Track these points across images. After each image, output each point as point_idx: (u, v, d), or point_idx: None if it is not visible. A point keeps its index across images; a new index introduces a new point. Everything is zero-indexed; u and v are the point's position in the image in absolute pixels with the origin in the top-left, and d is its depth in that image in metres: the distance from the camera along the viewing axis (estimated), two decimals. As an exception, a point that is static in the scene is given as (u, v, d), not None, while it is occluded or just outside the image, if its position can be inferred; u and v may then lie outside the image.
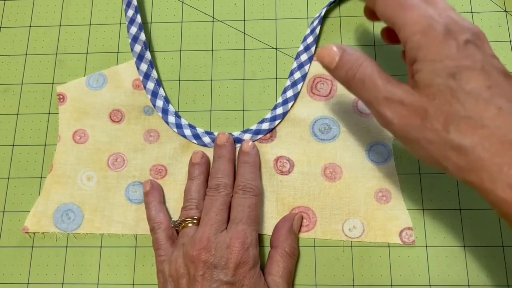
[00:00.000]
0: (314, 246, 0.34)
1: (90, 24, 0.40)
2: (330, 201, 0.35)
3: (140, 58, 0.38)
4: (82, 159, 0.37)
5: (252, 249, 0.31)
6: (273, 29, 0.39)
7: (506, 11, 0.38)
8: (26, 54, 0.40)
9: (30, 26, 0.40)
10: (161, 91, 0.38)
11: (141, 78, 0.38)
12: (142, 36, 0.38)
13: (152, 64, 0.38)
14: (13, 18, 0.41)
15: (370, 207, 0.34)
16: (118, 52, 0.39)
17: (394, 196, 0.35)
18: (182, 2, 0.40)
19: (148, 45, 0.39)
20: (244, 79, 0.38)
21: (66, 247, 0.35)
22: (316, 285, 0.34)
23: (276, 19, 0.39)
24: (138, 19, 0.38)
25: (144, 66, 0.38)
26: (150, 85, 0.37)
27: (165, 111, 0.37)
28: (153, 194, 0.35)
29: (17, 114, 0.38)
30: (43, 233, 0.36)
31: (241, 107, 0.37)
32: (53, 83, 0.39)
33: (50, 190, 0.36)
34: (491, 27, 0.38)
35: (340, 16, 0.39)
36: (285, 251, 0.33)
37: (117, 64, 0.39)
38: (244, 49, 0.39)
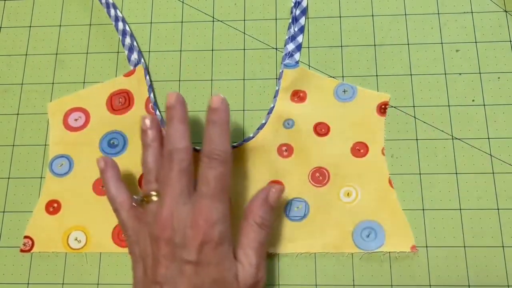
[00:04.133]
0: (314, 246, 0.34)
1: (90, 24, 0.40)
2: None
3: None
4: None
5: (219, 225, 0.29)
6: (273, 29, 0.39)
7: (506, 11, 0.38)
8: (26, 54, 0.40)
9: (30, 26, 0.40)
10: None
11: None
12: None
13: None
14: (13, 18, 0.41)
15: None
16: (118, 52, 0.39)
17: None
18: (182, 2, 0.40)
19: (148, 45, 0.39)
20: (244, 79, 0.38)
21: (66, 247, 0.35)
22: (316, 285, 0.34)
23: (276, 19, 0.39)
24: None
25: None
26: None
27: None
28: (108, 171, 0.33)
29: (17, 114, 0.38)
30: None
31: (241, 107, 0.37)
32: (53, 83, 0.39)
33: None
34: (491, 27, 0.38)
35: (340, 16, 0.39)
36: (255, 221, 0.31)
37: (116, 64, 0.39)
38: (244, 49, 0.39)
